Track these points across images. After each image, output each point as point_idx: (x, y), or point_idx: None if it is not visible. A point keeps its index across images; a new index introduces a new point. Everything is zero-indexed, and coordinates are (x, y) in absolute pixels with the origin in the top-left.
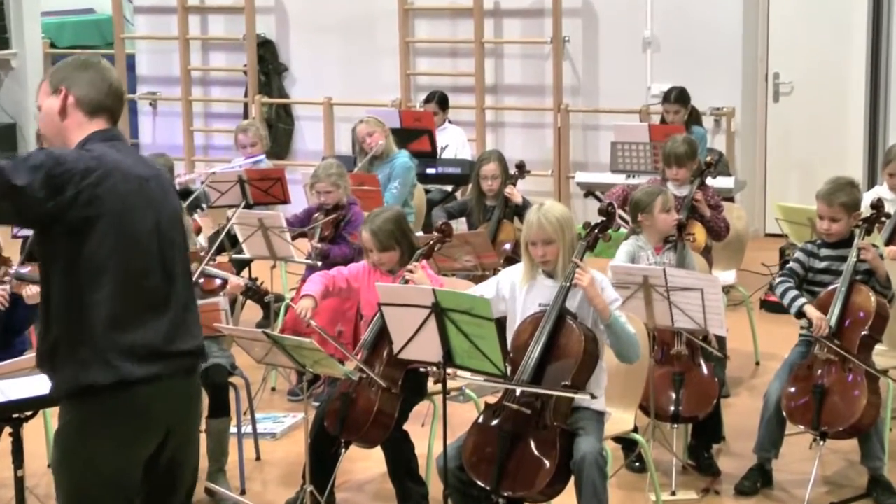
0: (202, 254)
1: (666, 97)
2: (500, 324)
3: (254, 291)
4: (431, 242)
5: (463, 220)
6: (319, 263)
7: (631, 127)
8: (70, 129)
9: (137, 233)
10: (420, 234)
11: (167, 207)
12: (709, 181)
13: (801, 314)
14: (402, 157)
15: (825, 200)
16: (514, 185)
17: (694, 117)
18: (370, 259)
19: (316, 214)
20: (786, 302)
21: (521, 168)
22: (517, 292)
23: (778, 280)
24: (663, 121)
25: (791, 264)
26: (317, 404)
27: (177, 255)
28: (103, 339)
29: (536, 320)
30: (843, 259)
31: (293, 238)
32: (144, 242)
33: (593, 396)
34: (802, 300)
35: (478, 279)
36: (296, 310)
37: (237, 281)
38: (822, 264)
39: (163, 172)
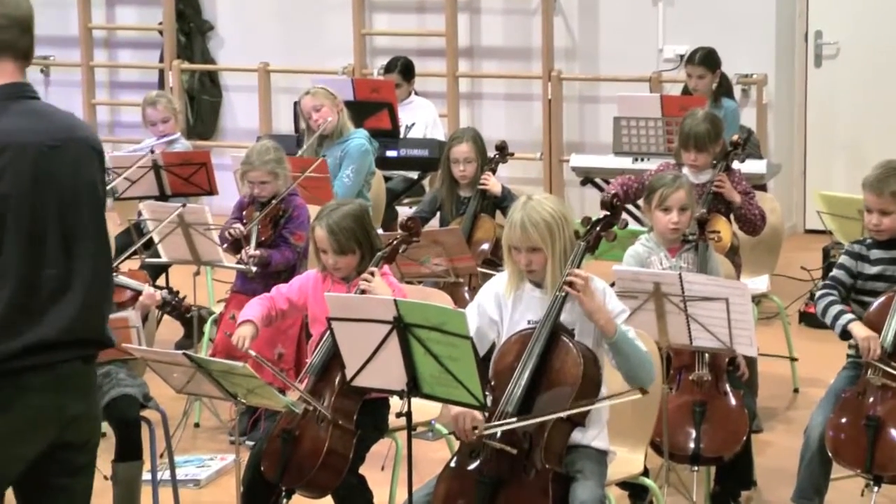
0: None
1: (689, 58)
2: (487, 357)
3: (172, 304)
4: (394, 242)
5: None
6: (254, 269)
7: (638, 99)
8: None
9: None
10: (379, 232)
11: (71, 183)
12: (735, 165)
13: (846, 334)
14: (359, 138)
15: (873, 189)
16: (494, 171)
17: (724, 88)
18: (322, 263)
19: (249, 208)
20: (828, 320)
21: (503, 150)
22: (504, 308)
23: (819, 294)
24: (686, 90)
25: (835, 272)
26: (251, 444)
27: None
28: None
29: (524, 339)
30: None
31: (229, 248)
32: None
33: (638, 389)
34: (848, 317)
35: (450, 287)
36: (233, 340)
37: (151, 291)
38: (874, 269)
39: (80, 137)
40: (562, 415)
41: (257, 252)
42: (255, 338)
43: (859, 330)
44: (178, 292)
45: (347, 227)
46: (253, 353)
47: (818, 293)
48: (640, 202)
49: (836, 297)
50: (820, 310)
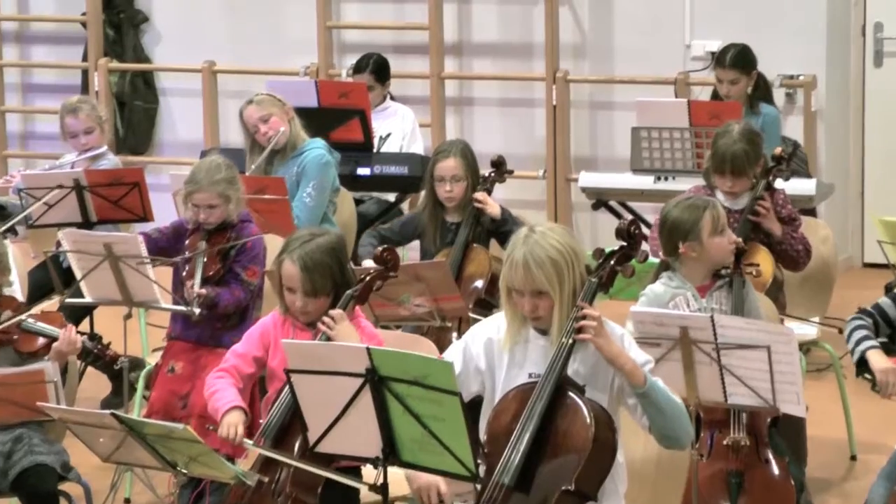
0: (17, 300)
1: (719, 59)
2: (473, 409)
3: (97, 353)
4: (367, 279)
5: (414, 246)
6: (197, 312)
7: (661, 105)
8: None
9: None
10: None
11: None
12: (778, 184)
13: (863, 364)
14: (316, 149)
15: None
16: (489, 191)
17: (762, 91)
18: (284, 303)
19: (193, 237)
20: (850, 345)
21: (499, 166)
22: (496, 358)
23: (851, 317)
24: (716, 95)
25: (882, 299)
26: None
27: None
28: None
29: (524, 395)
30: None
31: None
32: None
33: None
34: (869, 343)
35: (435, 333)
36: (220, 434)
37: (72, 338)
38: None
39: None
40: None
41: (203, 290)
42: (245, 423)
43: (878, 360)
44: (101, 338)
45: (323, 263)
46: (249, 443)
47: (851, 316)
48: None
49: (867, 324)
50: (846, 334)
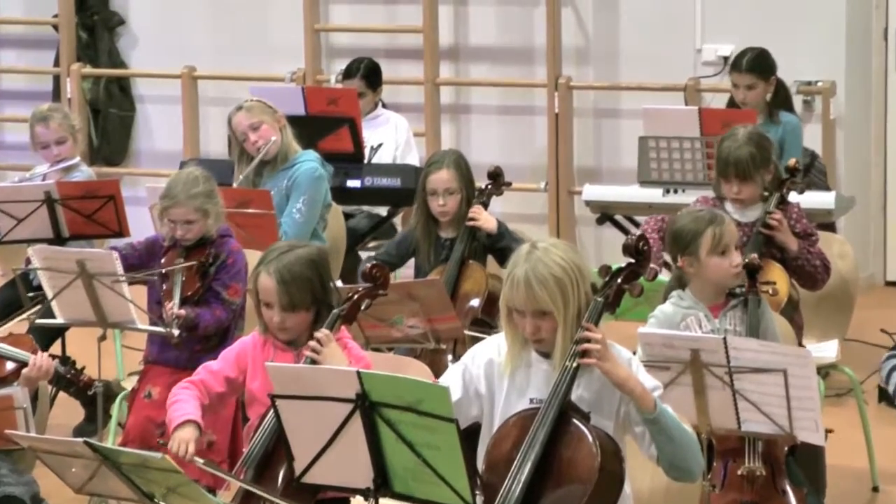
0: None
1: (735, 63)
2: (470, 436)
3: (69, 378)
4: (355, 297)
5: (407, 263)
6: (176, 334)
7: (670, 113)
8: None
9: None
10: (338, 284)
11: None
12: (792, 197)
13: None
14: (309, 161)
15: None
16: (486, 206)
17: (782, 99)
18: (263, 321)
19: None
20: (891, 388)
21: (496, 178)
22: (497, 382)
23: (888, 354)
24: (732, 103)
25: None
26: None
27: None
28: None
29: (525, 422)
30: None
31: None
32: None
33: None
34: None
35: (429, 355)
36: (170, 448)
37: (43, 365)
38: None
39: None
40: None
41: (182, 311)
42: (198, 440)
43: None
44: (74, 362)
45: (302, 275)
46: (200, 461)
47: (888, 353)
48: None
49: None
50: (884, 374)
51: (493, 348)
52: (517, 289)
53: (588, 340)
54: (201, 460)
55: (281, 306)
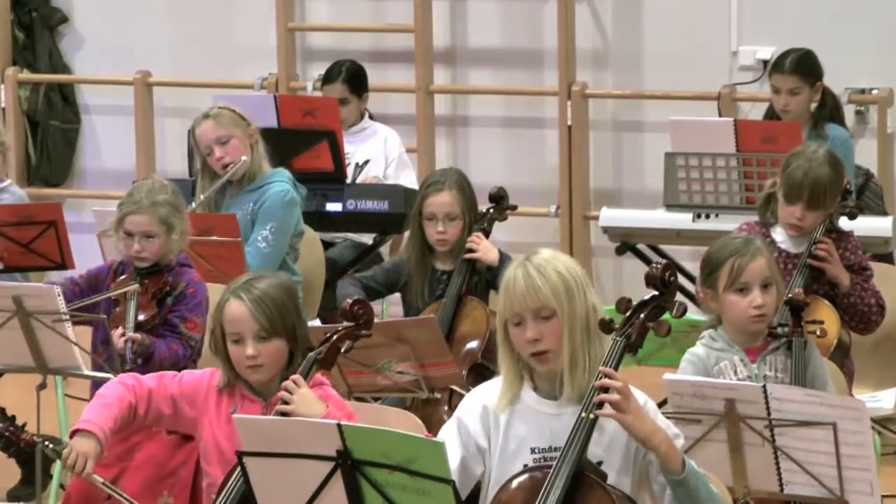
0: None
1: (777, 64)
2: (470, 500)
3: (5, 436)
4: (333, 338)
5: (395, 299)
6: (130, 359)
7: (702, 125)
8: None
9: None
10: (315, 322)
11: None
12: (843, 223)
13: None
14: (280, 182)
15: None
16: (487, 233)
17: (829, 109)
18: (232, 361)
19: (121, 279)
20: None
21: (499, 201)
22: (492, 430)
23: None
24: (771, 113)
25: None
26: None
27: None
28: None
29: (533, 483)
30: None
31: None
32: None
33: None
34: None
35: (421, 407)
36: (65, 456)
37: None
38: None
39: None
40: None
41: (137, 335)
42: (99, 457)
43: None
44: (13, 417)
45: (277, 299)
46: (99, 479)
47: None
48: (697, 287)
49: None
50: None
51: (485, 393)
52: (514, 288)
53: (607, 389)
54: (100, 479)
55: (254, 335)
